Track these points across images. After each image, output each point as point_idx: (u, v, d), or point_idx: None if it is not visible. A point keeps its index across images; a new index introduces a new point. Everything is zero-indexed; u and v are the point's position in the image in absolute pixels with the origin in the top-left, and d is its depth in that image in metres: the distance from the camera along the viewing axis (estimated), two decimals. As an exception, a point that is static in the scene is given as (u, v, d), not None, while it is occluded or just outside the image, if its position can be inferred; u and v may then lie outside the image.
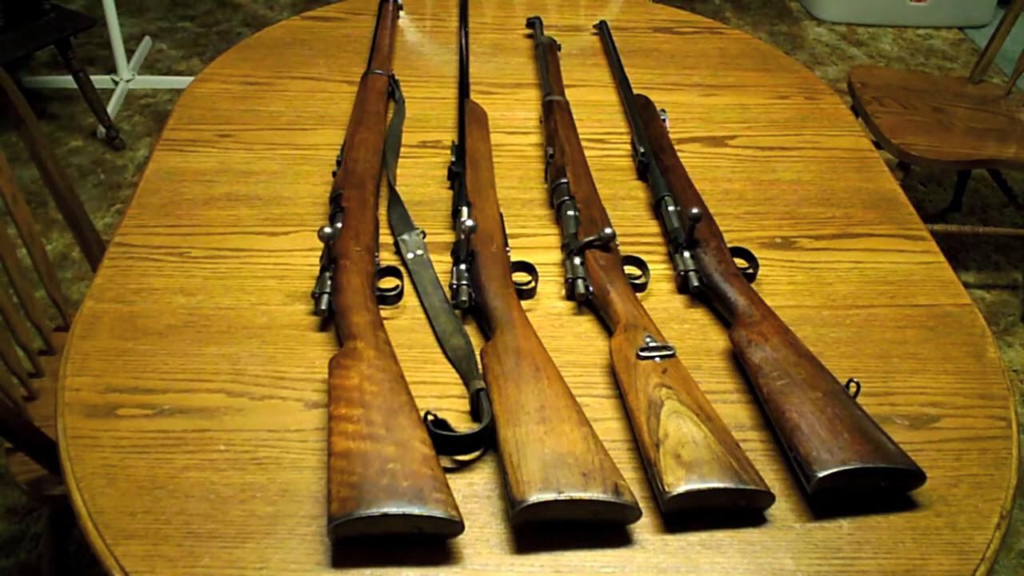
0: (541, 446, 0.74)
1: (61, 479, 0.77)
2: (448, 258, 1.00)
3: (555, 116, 1.21)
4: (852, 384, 0.83)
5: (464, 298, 0.92)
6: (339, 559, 0.71)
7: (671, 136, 1.22)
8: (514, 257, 0.99)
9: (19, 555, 1.50)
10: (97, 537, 0.71)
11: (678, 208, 1.05)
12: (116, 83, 2.72)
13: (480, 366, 0.85)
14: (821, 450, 0.75)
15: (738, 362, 0.89)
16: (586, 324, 0.95)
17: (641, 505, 0.73)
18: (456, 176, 1.09)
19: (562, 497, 0.71)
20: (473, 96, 1.30)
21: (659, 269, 1.02)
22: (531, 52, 1.47)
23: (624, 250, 1.01)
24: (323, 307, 0.90)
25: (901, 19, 3.34)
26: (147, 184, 1.11)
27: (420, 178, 1.15)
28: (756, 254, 1.02)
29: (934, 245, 1.09)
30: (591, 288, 0.95)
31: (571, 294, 0.97)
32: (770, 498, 0.75)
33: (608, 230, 0.98)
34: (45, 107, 2.64)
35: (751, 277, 1.00)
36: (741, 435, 0.82)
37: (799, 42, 3.21)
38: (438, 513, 0.69)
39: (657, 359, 0.84)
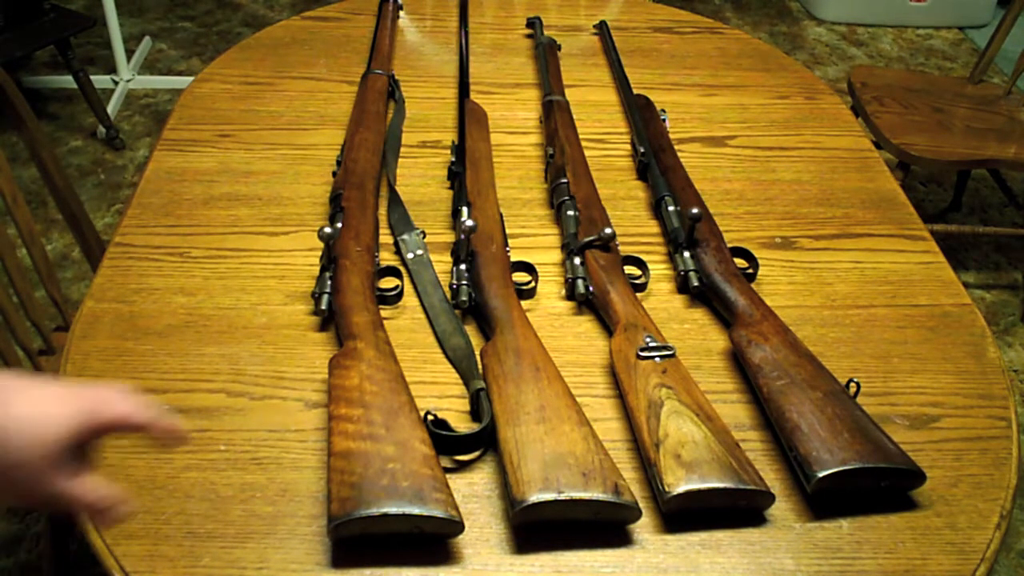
0: (541, 446, 0.74)
1: (61, 479, 0.77)
2: (448, 258, 1.00)
3: (555, 116, 1.21)
4: (852, 384, 0.83)
5: (464, 298, 0.92)
6: (339, 559, 0.71)
7: (671, 136, 1.22)
8: (514, 257, 0.99)
9: (19, 555, 1.50)
10: (97, 537, 0.71)
11: (678, 208, 1.05)
12: (116, 83, 2.72)
13: (480, 366, 0.85)
14: (821, 450, 0.75)
15: (738, 362, 0.89)
16: (586, 324, 0.95)
17: (641, 505, 0.73)
18: (456, 176, 1.09)
19: (562, 497, 0.71)
20: (473, 96, 1.30)
21: (659, 269, 1.02)
22: (531, 52, 1.47)
23: (624, 250, 1.01)
24: (323, 307, 0.90)
25: (901, 19, 3.34)
26: (147, 184, 1.11)
27: (420, 178, 1.15)
28: (756, 254, 1.02)
29: (934, 245, 1.09)
30: (591, 288, 0.95)
31: (571, 294, 0.97)
32: (770, 498, 0.75)
33: (608, 230, 0.98)
34: (45, 107, 2.64)
35: (751, 277, 1.00)
36: (741, 435, 0.82)
37: (799, 42, 3.21)
38: (438, 513, 0.69)
39: (657, 359, 0.84)
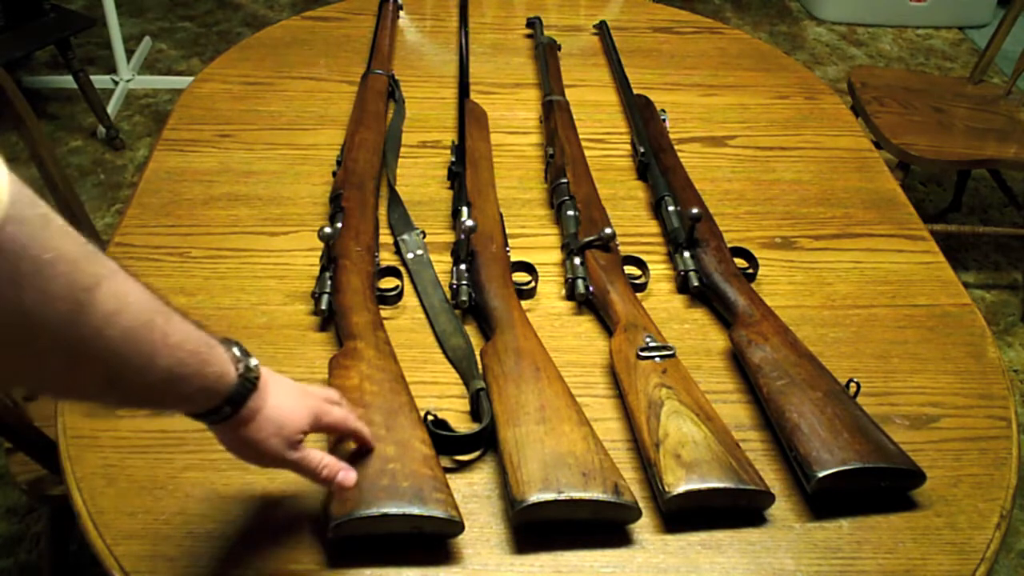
0: (541, 446, 0.74)
1: (61, 479, 0.77)
2: (448, 258, 1.00)
3: (555, 116, 1.21)
4: (852, 384, 0.83)
5: (464, 298, 0.92)
6: (339, 559, 0.71)
7: (671, 136, 1.22)
8: (514, 257, 0.99)
9: (19, 555, 1.50)
10: (97, 537, 0.71)
11: (678, 208, 1.05)
12: (116, 83, 2.71)
13: (480, 366, 0.85)
14: (821, 450, 0.75)
15: (738, 362, 0.89)
16: (586, 324, 0.95)
17: (641, 505, 0.73)
18: (456, 176, 1.09)
19: (562, 497, 0.71)
20: (473, 96, 1.30)
21: (659, 269, 1.02)
22: (531, 52, 1.47)
23: (624, 250, 1.01)
24: (323, 307, 0.90)
25: (901, 19, 3.33)
26: (147, 184, 1.11)
27: (420, 178, 1.15)
28: (756, 254, 1.02)
29: (934, 245, 1.09)
30: (591, 288, 0.95)
31: (571, 294, 0.97)
32: (770, 498, 0.75)
33: (608, 230, 0.98)
34: (45, 107, 2.63)
35: (751, 277, 1.00)
36: (741, 435, 0.82)
37: (799, 42, 3.21)
38: (438, 513, 0.69)
39: (657, 359, 0.84)
